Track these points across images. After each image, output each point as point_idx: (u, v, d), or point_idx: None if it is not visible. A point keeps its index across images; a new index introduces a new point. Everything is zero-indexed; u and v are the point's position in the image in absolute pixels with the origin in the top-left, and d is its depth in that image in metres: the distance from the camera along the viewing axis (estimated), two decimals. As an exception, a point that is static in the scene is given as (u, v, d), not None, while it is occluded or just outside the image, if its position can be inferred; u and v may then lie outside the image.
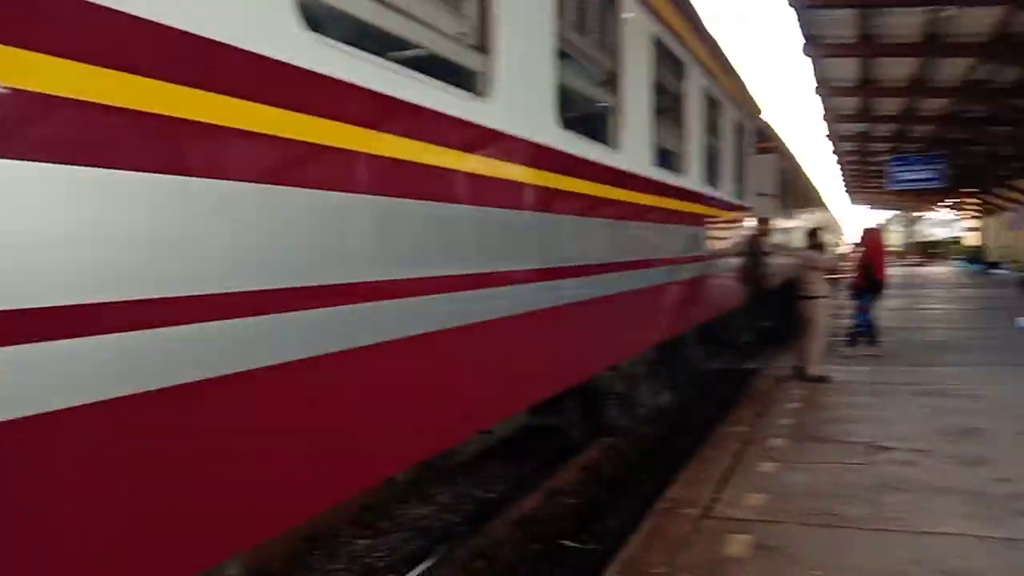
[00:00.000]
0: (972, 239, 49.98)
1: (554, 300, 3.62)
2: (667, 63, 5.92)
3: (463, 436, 3.37)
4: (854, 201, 54.52)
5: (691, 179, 6.34)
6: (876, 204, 56.99)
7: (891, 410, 7.98)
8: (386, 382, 2.47)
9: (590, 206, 4.10)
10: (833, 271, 9.87)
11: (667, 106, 6.49)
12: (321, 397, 2.21)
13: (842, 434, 7.00)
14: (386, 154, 2.44)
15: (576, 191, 3.86)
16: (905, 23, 13.72)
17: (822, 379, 9.46)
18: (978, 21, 13.40)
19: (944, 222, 65.61)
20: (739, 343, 11.11)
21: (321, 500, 2.38)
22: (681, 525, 4.88)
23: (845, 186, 45.45)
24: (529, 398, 3.84)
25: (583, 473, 6.78)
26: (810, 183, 23.00)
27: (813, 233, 10.01)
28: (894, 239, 66.44)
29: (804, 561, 4.26)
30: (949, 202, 46.05)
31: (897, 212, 66.56)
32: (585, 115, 4.60)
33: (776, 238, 12.94)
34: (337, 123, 2.22)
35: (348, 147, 2.29)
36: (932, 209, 55.85)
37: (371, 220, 2.40)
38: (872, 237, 10.80)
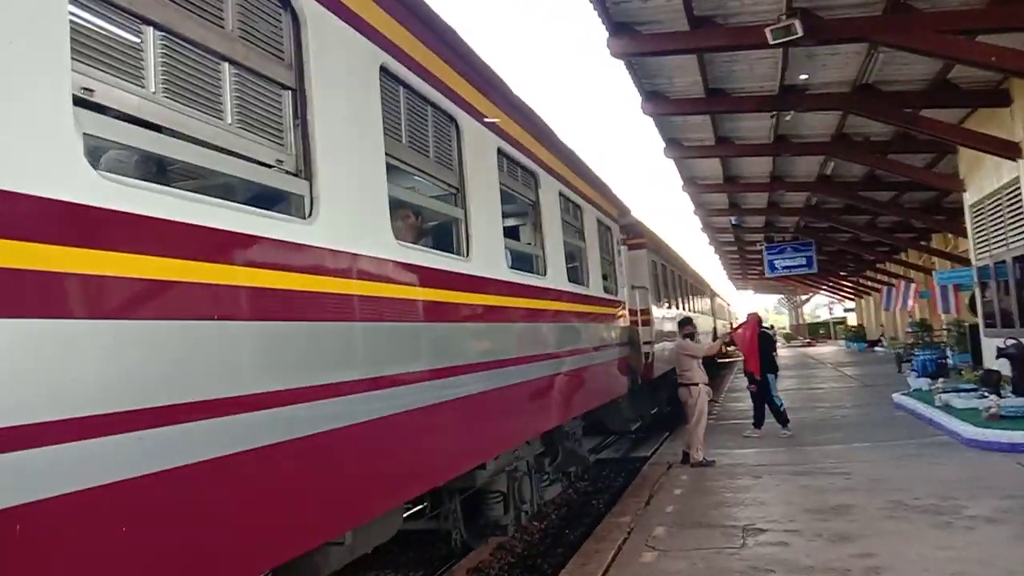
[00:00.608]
0: (853, 319, 53.21)
1: (394, 406, 3.65)
2: (516, 173, 6.24)
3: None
4: (739, 287, 57.40)
5: (550, 279, 6.59)
6: (760, 289, 60.09)
7: (770, 491, 8.24)
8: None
9: (437, 310, 4.21)
10: (709, 355, 10.24)
11: (520, 213, 6.81)
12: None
13: (722, 518, 7.16)
14: (196, 280, 2.49)
15: (417, 298, 3.97)
16: (755, 126, 14.92)
17: (705, 463, 9.70)
18: (821, 123, 14.73)
19: (830, 304, 69.67)
20: (627, 431, 11.32)
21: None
22: (559, 625, 4.85)
23: (728, 273, 47.87)
24: (369, 510, 3.79)
25: (469, 575, 6.64)
26: (694, 273, 24.11)
27: (685, 322, 10.47)
28: (781, 322, 69.75)
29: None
30: (827, 285, 49.03)
31: (781, 296, 70.14)
32: (433, 227, 4.80)
33: (657, 327, 13.43)
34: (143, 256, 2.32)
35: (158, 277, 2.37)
36: (815, 292, 59.29)
37: (179, 343, 2.44)
38: (742, 332, 11.31)
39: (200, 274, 2.58)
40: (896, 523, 6.54)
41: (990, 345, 13.83)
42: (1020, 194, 12.31)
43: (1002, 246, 13.57)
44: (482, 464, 5.18)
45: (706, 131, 15.45)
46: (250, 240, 2.81)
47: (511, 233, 6.43)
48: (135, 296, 2.40)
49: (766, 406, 11.84)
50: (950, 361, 18.73)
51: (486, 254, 5.06)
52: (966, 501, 6.99)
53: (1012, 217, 12.88)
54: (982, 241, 14.81)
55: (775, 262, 26.82)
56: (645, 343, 12.25)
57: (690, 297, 22.48)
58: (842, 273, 40.84)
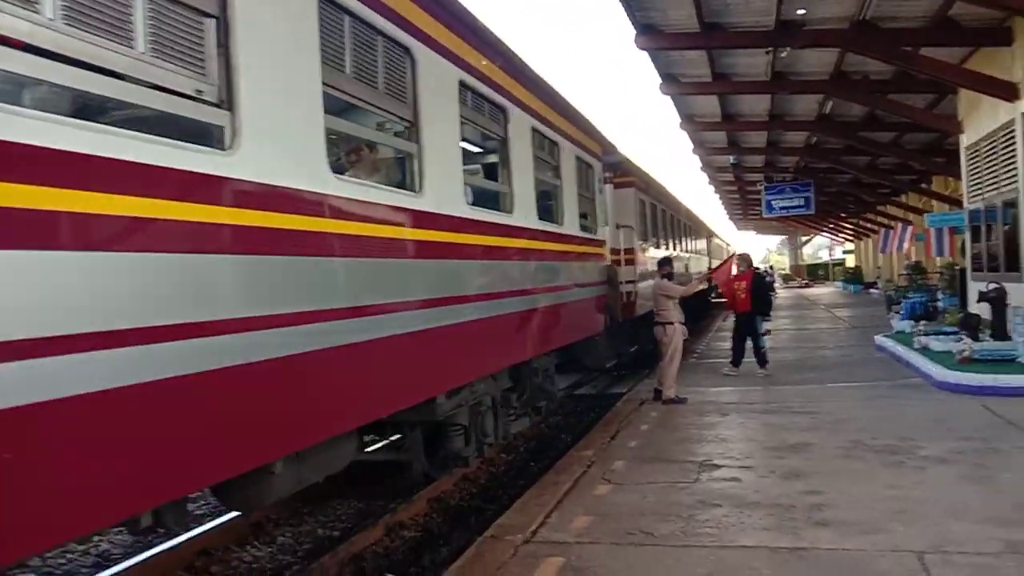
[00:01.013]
0: (852, 261, 53.12)
1: (329, 341, 3.70)
2: (482, 108, 6.16)
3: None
4: (740, 228, 57.14)
5: (517, 216, 6.57)
6: (761, 230, 59.85)
7: (734, 429, 8.38)
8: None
9: (382, 246, 4.22)
10: (687, 295, 10.28)
11: (488, 149, 6.75)
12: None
13: (681, 453, 7.30)
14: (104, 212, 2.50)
15: (357, 233, 3.97)
16: (752, 63, 14.60)
17: (677, 400, 9.84)
18: (819, 60, 14.42)
19: (830, 246, 69.48)
20: (602, 368, 11.45)
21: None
22: (502, 552, 4.99)
23: (728, 214, 47.59)
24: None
25: (430, 505, 6.83)
26: (689, 212, 23.99)
27: (664, 262, 10.47)
28: (782, 263, 69.64)
29: (606, 580, 4.44)
30: (827, 227, 48.77)
31: (783, 237, 69.84)
32: (387, 162, 4.77)
33: (645, 267, 13.47)
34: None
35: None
36: (815, 233, 59.02)
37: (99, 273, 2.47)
38: (721, 272, 11.32)
39: (109, 207, 2.58)
40: (850, 462, 6.66)
41: (976, 289, 13.83)
42: (1015, 137, 12.13)
43: (993, 190, 13.45)
44: (432, 398, 5.26)
45: (703, 67, 15.14)
46: (163, 172, 2.80)
47: (476, 170, 6.39)
48: (46, 228, 2.41)
49: (744, 345, 11.93)
50: (940, 304, 18.77)
51: (441, 190, 5.04)
52: (924, 442, 7.10)
53: (1005, 161, 12.72)
54: (975, 184, 14.66)
55: (773, 202, 26.65)
56: (628, 282, 12.32)
57: (685, 237, 22.43)
58: (842, 215, 40.61)
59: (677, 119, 19.69)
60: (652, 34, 12.91)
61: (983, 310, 12.45)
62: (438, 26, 5.17)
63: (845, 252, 57.77)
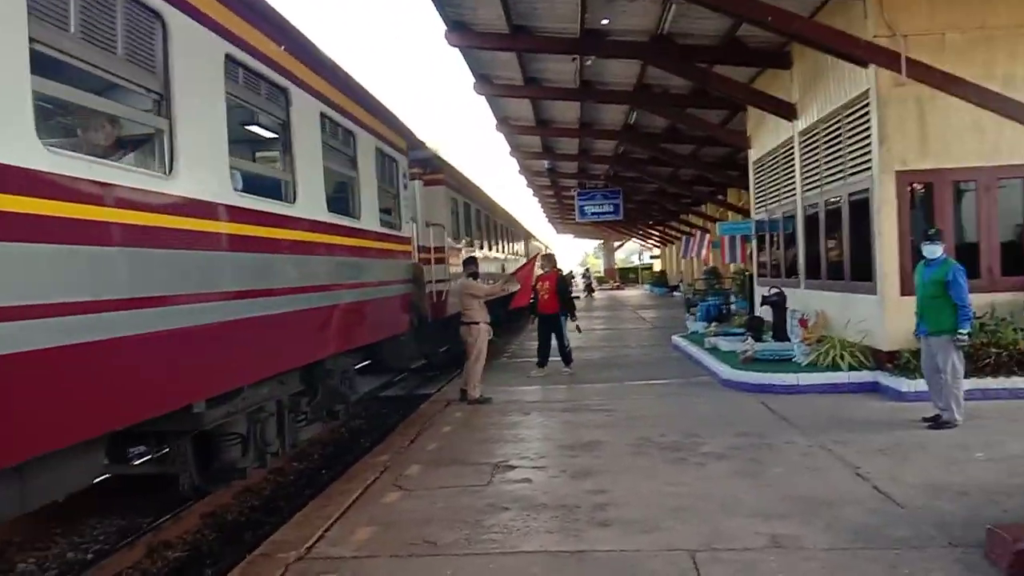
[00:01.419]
0: (658, 266, 56.46)
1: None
2: (257, 87, 5.66)
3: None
4: (559, 231, 59.00)
5: (300, 207, 6.11)
6: (579, 234, 62.15)
7: (534, 428, 8.38)
8: None
9: (112, 232, 3.67)
10: (491, 296, 10.21)
11: (268, 132, 6.26)
12: None
13: (478, 455, 7.16)
14: None
15: (77, 216, 3.40)
16: (561, 69, 14.91)
17: (482, 400, 9.75)
18: (624, 71, 14.96)
19: (640, 251, 73.43)
20: (407, 369, 11.16)
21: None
22: (270, 571, 4.57)
23: (548, 217, 48.97)
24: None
25: (203, 521, 6.21)
26: (505, 213, 24.25)
27: (469, 261, 10.36)
28: (598, 266, 72.73)
29: (380, 597, 4.14)
30: (638, 232, 51.43)
31: (600, 241, 72.95)
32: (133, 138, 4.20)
33: (456, 267, 13.29)
34: None
35: None
36: (628, 239, 62.11)
37: None
38: (523, 271, 11.42)
39: None
40: (637, 459, 6.81)
41: (761, 294, 14.91)
42: (793, 153, 13.16)
43: (776, 202, 14.54)
44: (188, 406, 4.71)
45: (514, 70, 15.24)
46: None
47: (249, 155, 5.86)
48: None
49: (550, 345, 12.09)
50: (734, 307, 20.15)
51: (198, 173, 4.51)
52: (705, 438, 7.41)
53: (785, 175, 13.78)
54: (760, 196, 15.82)
55: (585, 207, 27.54)
56: (439, 280, 12.10)
57: (501, 238, 22.62)
58: (649, 222, 42.89)
59: (494, 121, 19.83)
60: (462, 32, 12.79)
61: (767, 313, 13.42)
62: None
63: (652, 257, 61.30)
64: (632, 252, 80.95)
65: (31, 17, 3.18)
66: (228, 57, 4.97)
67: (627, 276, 64.93)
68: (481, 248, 18.10)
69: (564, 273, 12.24)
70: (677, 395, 10.08)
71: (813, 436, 7.34)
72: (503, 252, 22.19)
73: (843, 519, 5.02)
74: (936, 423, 7.51)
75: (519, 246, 28.09)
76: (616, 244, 67.46)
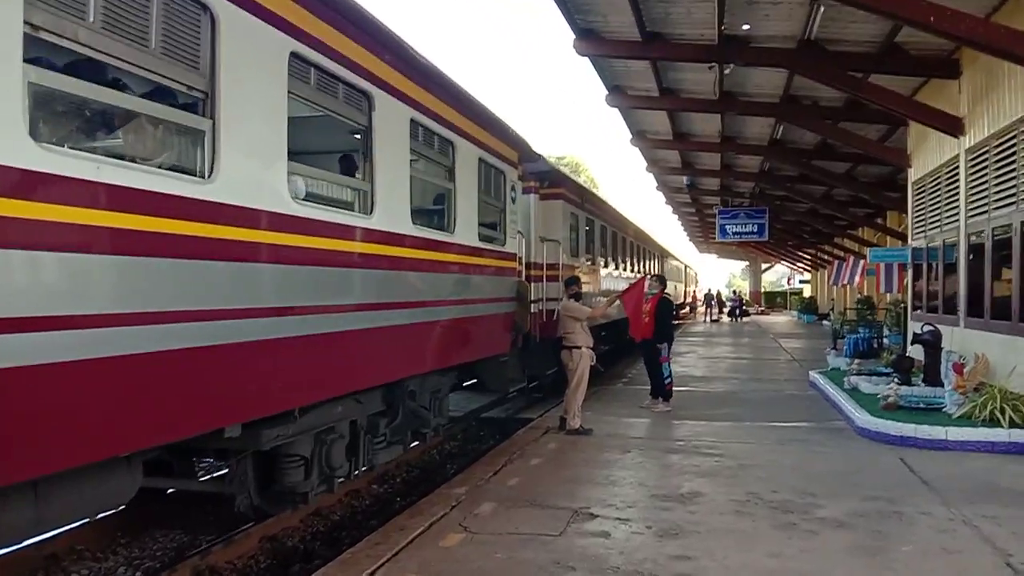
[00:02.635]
0: (808, 291, 53.16)
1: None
2: (333, 89, 5.31)
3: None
4: (701, 251, 56.91)
5: (377, 219, 5.73)
6: (723, 254, 59.74)
7: (630, 469, 7.64)
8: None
9: (142, 241, 3.41)
10: (593, 318, 9.52)
11: (343, 139, 5.93)
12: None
13: (560, 497, 6.51)
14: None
15: (103, 224, 3.13)
16: (699, 79, 13.99)
17: (582, 431, 9.08)
18: (768, 81, 13.85)
19: (789, 275, 69.72)
20: (506, 392, 10.66)
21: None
22: (296, 618, 4.16)
23: (689, 236, 47.25)
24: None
25: (261, 545, 5.94)
26: (638, 231, 23.34)
27: (571, 282, 9.71)
28: (744, 288, 69.70)
29: (397, 669, 3.62)
30: (786, 255, 48.66)
31: (746, 263, 69.94)
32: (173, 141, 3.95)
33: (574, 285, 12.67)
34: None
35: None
36: (775, 261, 59.03)
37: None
38: (631, 293, 10.41)
39: None
40: (739, 519, 5.93)
41: (913, 330, 13.32)
42: (958, 174, 11.63)
43: (936, 228, 12.95)
44: (222, 427, 4.39)
45: (649, 80, 14.51)
46: None
47: (321, 162, 5.53)
48: None
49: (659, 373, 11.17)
50: (887, 341, 18.30)
51: (246, 180, 4.20)
52: (824, 499, 6.40)
53: (948, 199, 12.22)
54: (919, 221, 14.19)
55: (727, 227, 26.19)
56: (550, 299, 11.53)
57: (631, 256, 21.76)
58: (798, 244, 40.41)
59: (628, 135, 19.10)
60: (592, 40, 12.23)
61: (919, 353, 11.90)
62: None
63: (802, 282, 57.79)
64: (782, 275, 76.88)
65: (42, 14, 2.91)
66: (294, 56, 4.65)
67: (774, 300, 61.62)
68: (606, 266, 17.39)
69: (670, 296, 11.15)
70: (802, 442, 8.97)
71: (957, 507, 6.16)
72: (633, 271, 21.28)
73: (982, 629, 4.01)
74: (1122, 507, 6.13)
75: (653, 265, 27.01)
76: (764, 266, 64.29)
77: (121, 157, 3.52)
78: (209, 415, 4.13)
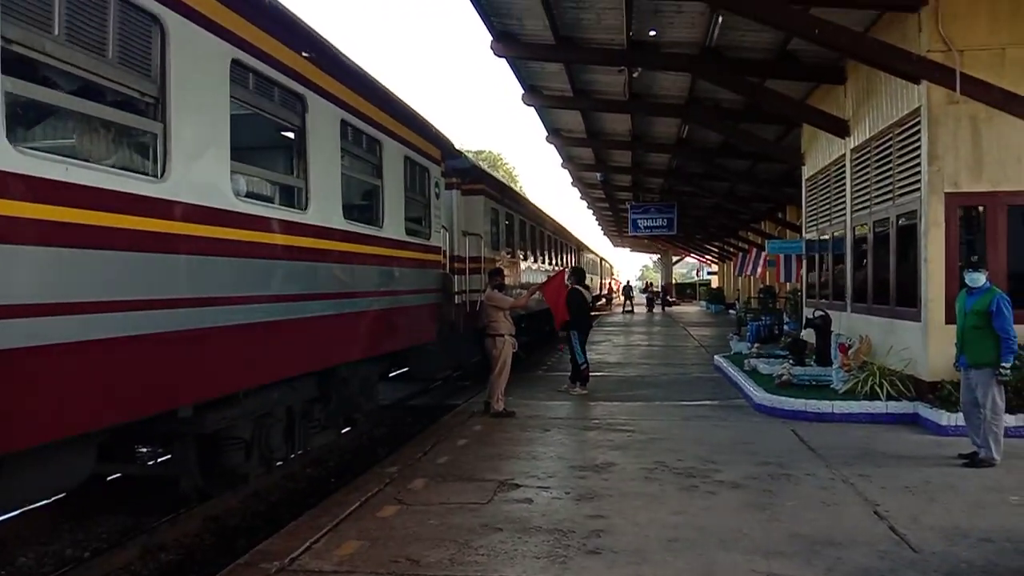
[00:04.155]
0: (716, 282, 55.33)
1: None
2: (269, 93, 5.67)
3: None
4: (616, 244, 58.46)
5: (312, 214, 6.11)
6: (636, 247, 61.47)
7: (550, 446, 8.21)
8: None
9: (100, 235, 3.74)
10: (515, 308, 10.10)
11: (280, 140, 6.28)
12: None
13: (486, 471, 7.03)
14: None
15: (48, 218, 3.45)
16: (609, 81, 14.72)
17: (505, 414, 9.63)
18: (674, 84, 14.70)
19: (697, 267, 72.25)
20: (432, 379, 11.10)
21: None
22: (247, 582, 4.54)
23: (604, 231, 48.57)
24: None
25: (205, 524, 6.24)
26: (555, 225, 24.08)
27: (495, 273, 10.26)
28: (655, 280, 71.75)
29: (346, 615, 4.06)
30: (695, 248, 50.58)
31: (658, 256, 72.02)
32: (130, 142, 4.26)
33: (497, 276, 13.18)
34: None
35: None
36: (685, 254, 61.13)
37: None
38: (551, 284, 11.08)
39: None
40: (647, 484, 6.58)
41: (806, 316, 14.41)
42: (844, 172, 12.70)
43: (826, 222, 14.06)
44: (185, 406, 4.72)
45: (563, 81, 15.15)
46: None
47: (259, 161, 5.87)
48: None
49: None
50: (787, 328, 19.52)
51: (194, 178, 4.53)
52: (723, 466, 7.13)
53: (836, 194, 13.30)
54: (812, 215, 15.33)
55: (638, 221, 27.23)
56: (473, 291, 12.02)
57: (549, 250, 22.46)
58: (699, 237, 42.09)
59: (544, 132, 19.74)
60: (509, 42, 12.76)
61: (811, 336, 12.94)
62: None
63: (710, 273, 60.10)
64: (692, 267, 79.58)
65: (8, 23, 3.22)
66: (235, 63, 4.99)
67: (683, 292, 63.80)
68: (526, 259, 17.99)
69: (580, 288, 11.84)
70: (706, 418, 9.78)
71: (837, 469, 7.00)
72: (551, 264, 22.00)
73: (848, 561, 4.73)
74: (973, 461, 7.08)
75: (570, 258, 27.84)
76: (675, 259, 66.42)
77: (86, 159, 3.82)
78: (168, 396, 4.46)
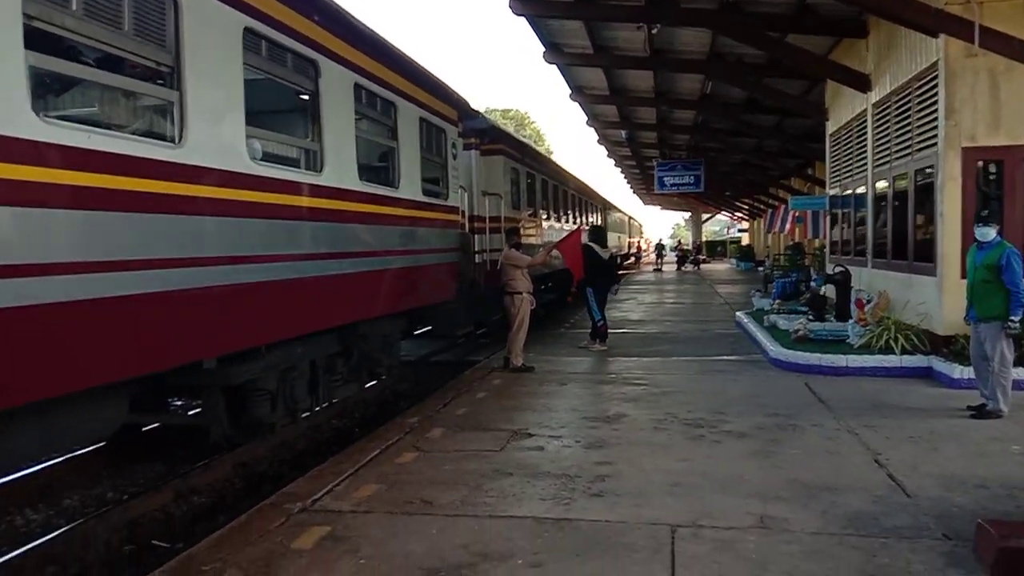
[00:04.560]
0: (747, 239, 54.88)
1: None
2: (282, 59, 5.87)
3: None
4: (645, 203, 58.10)
5: (327, 176, 6.34)
6: (666, 206, 61.07)
7: (566, 398, 8.47)
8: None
9: (128, 199, 4.01)
10: (533, 266, 10.31)
11: (294, 104, 6.49)
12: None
13: (501, 422, 7.31)
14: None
15: (74, 182, 3.71)
16: (630, 37, 14.62)
17: (524, 369, 9.90)
18: (695, 39, 14.56)
19: (728, 225, 71.58)
20: (454, 336, 11.39)
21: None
22: (272, 519, 4.86)
23: (632, 189, 48.28)
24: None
25: (235, 471, 6.62)
26: (579, 184, 24.10)
27: (512, 232, 10.44)
28: (685, 237, 71.34)
29: (362, 549, 4.36)
30: (725, 205, 50.09)
31: (689, 213, 71.42)
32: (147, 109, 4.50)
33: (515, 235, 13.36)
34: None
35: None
36: (715, 212, 60.57)
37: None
38: (568, 240, 11.27)
39: None
40: (655, 434, 6.81)
41: (826, 272, 14.42)
42: (866, 127, 12.59)
43: (848, 177, 13.97)
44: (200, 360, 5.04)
45: (583, 38, 15.08)
46: None
47: (275, 126, 6.09)
48: None
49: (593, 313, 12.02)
50: (814, 284, 19.46)
51: (210, 142, 4.77)
52: (732, 417, 7.33)
53: (858, 150, 13.20)
54: (835, 171, 15.23)
55: (665, 179, 27.10)
56: (494, 250, 12.22)
57: (573, 209, 22.53)
58: (728, 194, 41.69)
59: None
60: (527, 0, 12.74)
61: (832, 292, 12.98)
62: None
63: (740, 231, 59.59)
64: (724, 225, 78.82)
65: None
66: (248, 30, 5.19)
67: (714, 250, 63.39)
68: (548, 218, 18.12)
69: (591, 245, 12.00)
70: (722, 372, 9.95)
71: (844, 420, 7.16)
72: (576, 223, 22.08)
73: (842, 505, 4.93)
74: (980, 412, 7.20)
75: (596, 217, 27.86)
76: (705, 216, 65.87)
77: (107, 126, 4.08)
78: (193, 349, 4.78)
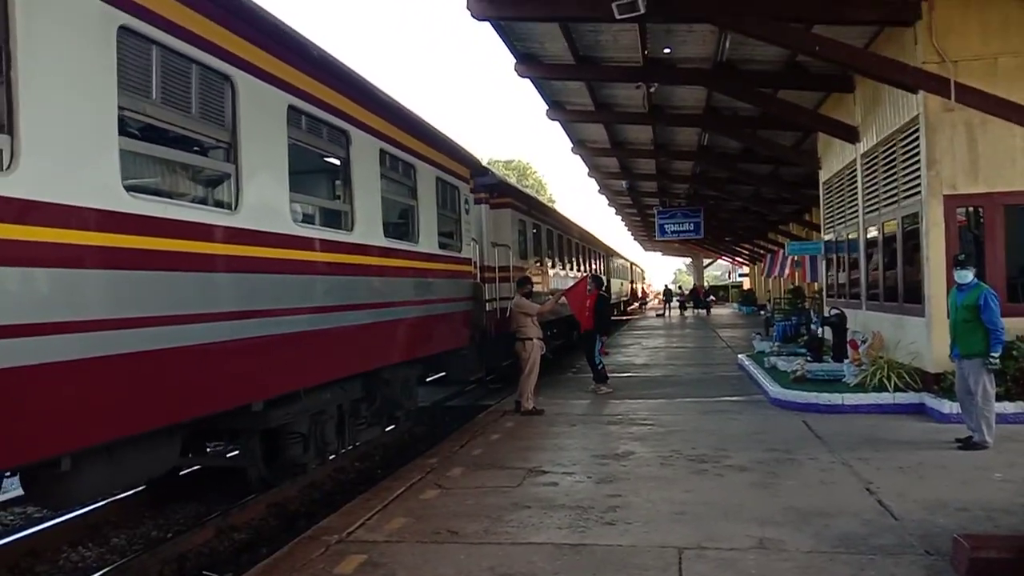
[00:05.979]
0: (748, 283, 55.52)
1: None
2: (319, 131, 6.52)
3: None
4: (646, 249, 58.92)
5: (359, 234, 6.95)
6: (667, 252, 61.89)
7: (576, 438, 8.93)
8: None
9: (186, 260, 4.57)
10: (542, 314, 10.86)
11: (327, 170, 7.12)
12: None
13: (516, 461, 7.77)
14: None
15: (143, 247, 4.31)
16: (629, 95, 15.42)
17: (535, 412, 10.37)
18: (691, 95, 15.34)
19: (728, 269, 72.27)
20: (467, 381, 11.88)
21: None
22: (313, 550, 5.31)
23: (633, 236, 49.11)
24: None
25: (268, 510, 7.07)
26: (583, 233, 24.80)
27: (523, 281, 11.03)
28: (687, 283, 71.92)
29: (398, 573, 4.82)
30: (724, 251, 50.88)
31: (690, 259, 72.15)
32: (207, 180, 5.11)
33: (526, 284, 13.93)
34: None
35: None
36: (715, 257, 61.38)
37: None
38: (574, 291, 11.98)
39: None
40: (662, 469, 7.27)
41: (822, 314, 14.93)
42: (856, 176, 13.25)
43: (841, 223, 14.59)
44: (257, 402, 5.57)
45: (585, 96, 15.88)
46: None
47: (313, 190, 6.71)
48: None
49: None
50: (813, 327, 19.96)
51: (260, 208, 5.37)
52: (733, 452, 7.79)
53: (849, 197, 13.85)
54: (829, 217, 15.85)
55: (665, 226, 27.82)
56: (503, 299, 12.80)
57: (577, 257, 23.19)
58: (728, 240, 42.42)
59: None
60: (531, 63, 13.54)
61: (829, 333, 13.49)
62: (263, 54, 5.50)
63: (741, 275, 60.32)
64: (726, 269, 79.71)
65: (120, 91, 4.08)
66: (291, 108, 5.85)
67: (716, 294, 63.99)
68: (554, 267, 18.73)
69: (605, 295, 12.72)
70: (723, 412, 10.40)
71: (839, 453, 7.61)
72: (580, 270, 22.71)
73: (834, 528, 5.38)
74: (967, 444, 7.65)
75: (598, 264, 28.52)
76: (706, 262, 66.63)
77: (176, 196, 4.69)
78: (246, 392, 5.32)
